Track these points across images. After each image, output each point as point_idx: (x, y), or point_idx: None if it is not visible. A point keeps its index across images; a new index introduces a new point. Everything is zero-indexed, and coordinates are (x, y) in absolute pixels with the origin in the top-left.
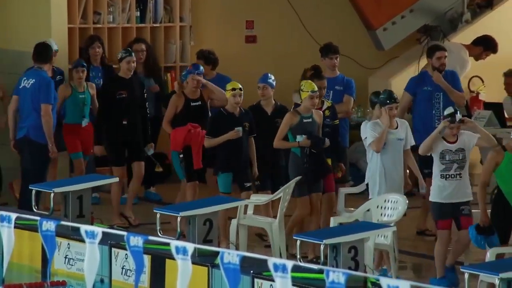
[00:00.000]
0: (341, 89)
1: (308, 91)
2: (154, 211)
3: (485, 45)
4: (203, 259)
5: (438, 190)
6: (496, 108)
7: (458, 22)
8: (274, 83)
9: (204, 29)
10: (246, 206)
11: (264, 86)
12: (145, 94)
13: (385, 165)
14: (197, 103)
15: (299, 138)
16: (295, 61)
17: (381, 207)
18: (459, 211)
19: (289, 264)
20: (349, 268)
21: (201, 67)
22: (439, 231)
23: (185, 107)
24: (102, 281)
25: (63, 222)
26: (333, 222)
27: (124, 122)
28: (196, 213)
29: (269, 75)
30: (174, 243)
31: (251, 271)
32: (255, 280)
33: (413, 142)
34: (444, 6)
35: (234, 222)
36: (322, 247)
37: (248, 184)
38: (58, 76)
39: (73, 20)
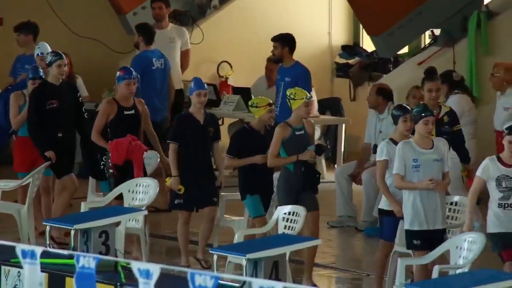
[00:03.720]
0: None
1: (302, 99)
2: None
3: None
4: None
5: (497, 219)
6: (244, 93)
7: (207, 8)
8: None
9: None
10: None
11: (205, 93)
12: (81, 99)
13: (419, 192)
14: (130, 112)
15: (310, 148)
16: None
17: (133, 192)
18: None
19: (38, 250)
20: (100, 253)
21: (134, 72)
22: (509, 263)
23: (118, 116)
24: None
25: None
26: (84, 207)
27: (60, 135)
28: None
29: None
30: None
31: None
32: (2, 267)
33: (448, 167)
34: None
35: None
36: (72, 232)
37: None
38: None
39: None
